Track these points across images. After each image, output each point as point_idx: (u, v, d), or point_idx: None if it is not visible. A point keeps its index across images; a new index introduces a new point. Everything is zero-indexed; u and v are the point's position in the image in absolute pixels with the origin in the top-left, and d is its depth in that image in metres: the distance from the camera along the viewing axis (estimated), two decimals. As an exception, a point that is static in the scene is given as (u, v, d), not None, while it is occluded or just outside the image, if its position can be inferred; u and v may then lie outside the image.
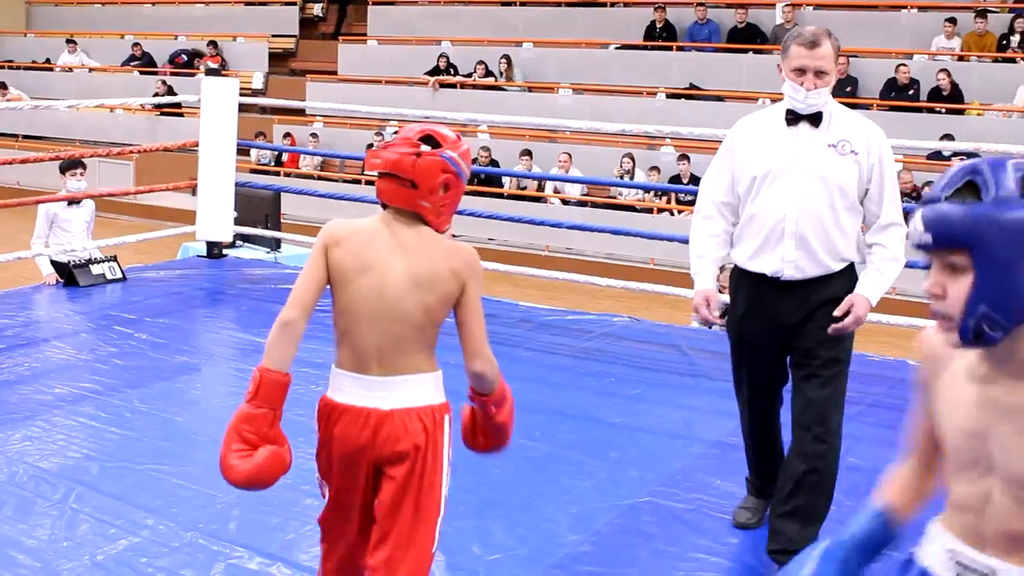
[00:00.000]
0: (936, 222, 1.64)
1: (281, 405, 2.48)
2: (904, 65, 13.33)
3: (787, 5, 14.81)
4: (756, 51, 14.76)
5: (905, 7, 14.60)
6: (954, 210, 1.61)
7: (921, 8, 14.55)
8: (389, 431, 2.53)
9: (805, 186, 3.38)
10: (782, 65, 3.44)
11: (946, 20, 13.85)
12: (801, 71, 3.36)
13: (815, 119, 3.41)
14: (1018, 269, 1.58)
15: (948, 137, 11.72)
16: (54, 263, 7.17)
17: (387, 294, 2.51)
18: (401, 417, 2.54)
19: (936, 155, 12.41)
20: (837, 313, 3.33)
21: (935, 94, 13.06)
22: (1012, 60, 13.49)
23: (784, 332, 3.50)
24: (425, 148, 2.52)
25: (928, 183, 11.77)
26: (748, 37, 14.91)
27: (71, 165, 7.32)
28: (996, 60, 13.65)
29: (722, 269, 6.44)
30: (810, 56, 3.36)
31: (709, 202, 3.64)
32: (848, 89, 13.76)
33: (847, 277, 3.48)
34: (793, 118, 3.43)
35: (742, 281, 3.61)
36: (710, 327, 3.86)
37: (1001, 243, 1.57)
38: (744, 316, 3.60)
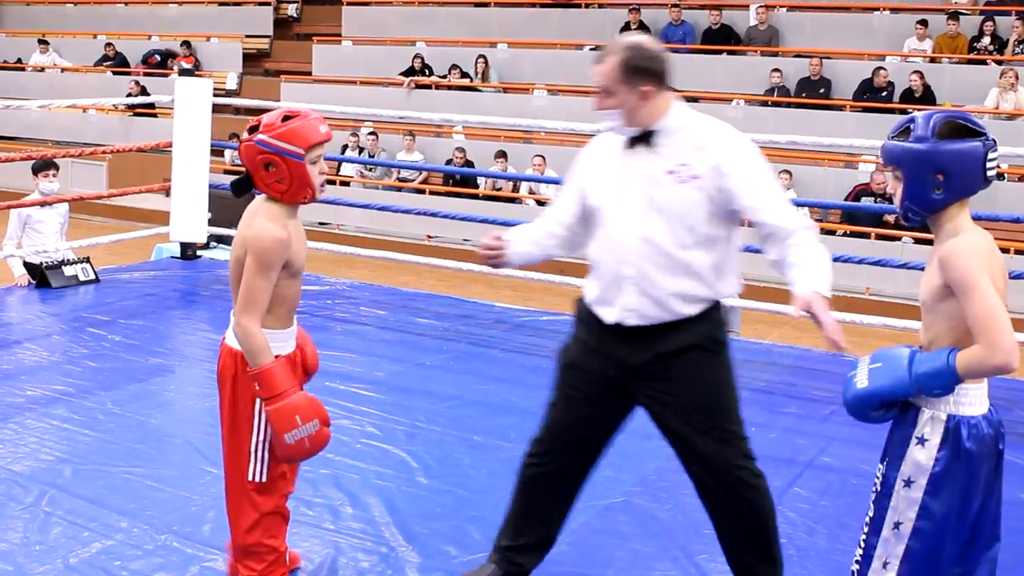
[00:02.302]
0: (884, 151, 2.57)
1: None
2: (883, 68, 13.40)
3: (761, 7, 14.87)
4: (730, 52, 14.83)
5: (877, 9, 14.69)
6: (892, 144, 2.55)
7: (893, 10, 14.64)
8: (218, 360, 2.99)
9: (642, 223, 2.93)
10: None
11: (917, 22, 13.94)
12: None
13: (647, 139, 2.96)
14: (921, 180, 2.49)
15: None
16: (26, 264, 7.13)
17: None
18: (223, 348, 2.96)
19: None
20: (795, 314, 2.81)
21: (907, 95, 13.15)
22: (983, 62, 13.59)
23: (625, 378, 3.07)
24: (245, 136, 2.86)
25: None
26: (722, 38, 14.97)
27: (43, 166, 7.27)
28: (967, 62, 13.75)
29: None
30: (595, 72, 2.99)
31: (553, 219, 3.23)
32: (822, 91, 13.84)
33: (708, 321, 3.02)
34: (630, 141, 2.99)
35: (582, 316, 3.17)
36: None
37: (910, 164, 2.50)
38: (579, 351, 3.16)
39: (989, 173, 2.47)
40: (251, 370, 2.84)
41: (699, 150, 2.93)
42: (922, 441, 2.45)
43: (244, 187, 2.94)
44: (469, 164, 14.17)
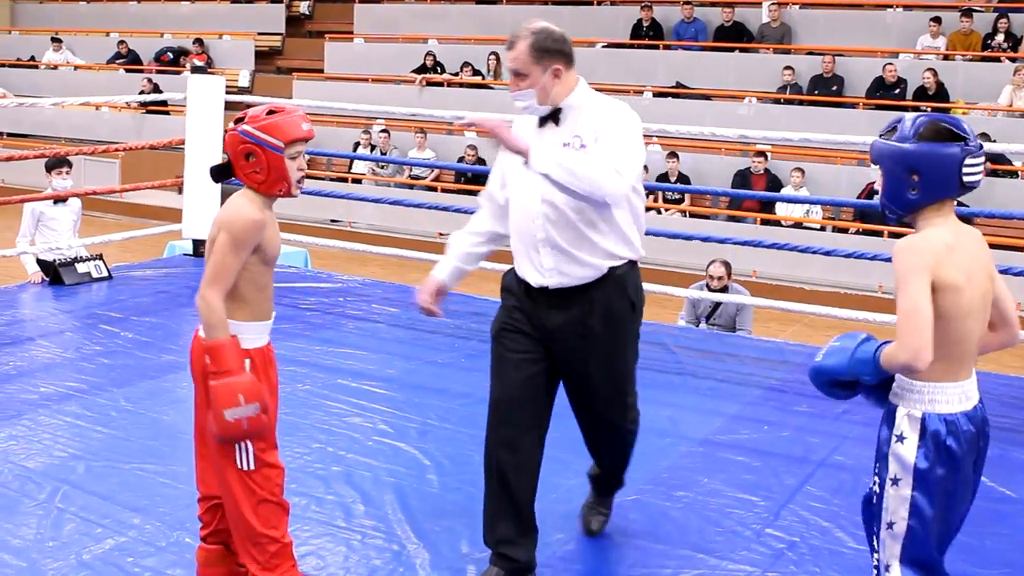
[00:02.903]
0: (871, 149, 2.62)
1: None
2: (891, 64, 13.37)
3: (773, 4, 14.85)
4: (742, 50, 14.80)
5: (891, 6, 14.66)
6: (878, 141, 2.59)
7: (906, 7, 14.60)
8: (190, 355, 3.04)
9: (545, 188, 3.15)
10: None
11: (931, 19, 13.90)
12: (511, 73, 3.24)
13: (555, 118, 3.24)
14: (897, 178, 2.53)
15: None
16: (39, 261, 7.15)
17: None
18: (195, 343, 3.00)
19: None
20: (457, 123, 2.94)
21: (921, 93, 13.11)
22: (996, 59, 13.55)
23: (547, 337, 3.29)
24: (231, 126, 2.93)
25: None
26: (735, 36, 14.95)
27: (57, 164, 7.29)
28: (981, 59, 13.71)
29: (712, 263, 6.45)
30: (507, 58, 3.25)
31: (483, 195, 3.56)
32: (834, 88, 13.80)
33: (617, 281, 3.25)
34: (540, 120, 3.27)
35: (512, 284, 3.40)
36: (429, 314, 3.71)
37: (888, 162, 2.55)
38: (509, 318, 3.37)
39: (967, 179, 2.49)
40: (204, 342, 2.88)
41: (590, 123, 3.19)
42: (901, 439, 2.52)
43: (223, 174, 3.02)
44: (481, 161, 14.17)
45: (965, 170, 2.47)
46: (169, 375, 5.30)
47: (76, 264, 7.11)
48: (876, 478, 2.60)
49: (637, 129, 3.20)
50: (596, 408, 3.43)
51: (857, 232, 12.15)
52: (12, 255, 7.25)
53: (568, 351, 3.29)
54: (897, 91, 13.31)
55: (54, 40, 19.99)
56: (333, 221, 14.50)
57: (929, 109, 13.05)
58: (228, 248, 2.86)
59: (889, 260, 5.78)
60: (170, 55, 18.90)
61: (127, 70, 18.98)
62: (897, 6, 14.64)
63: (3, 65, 20.57)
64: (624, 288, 3.26)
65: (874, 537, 2.64)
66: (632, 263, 3.29)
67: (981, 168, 2.52)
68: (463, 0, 17.67)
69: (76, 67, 19.78)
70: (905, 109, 13.08)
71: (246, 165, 2.93)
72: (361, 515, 3.82)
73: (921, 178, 2.48)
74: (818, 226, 12.50)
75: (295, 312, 6.44)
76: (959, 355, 2.51)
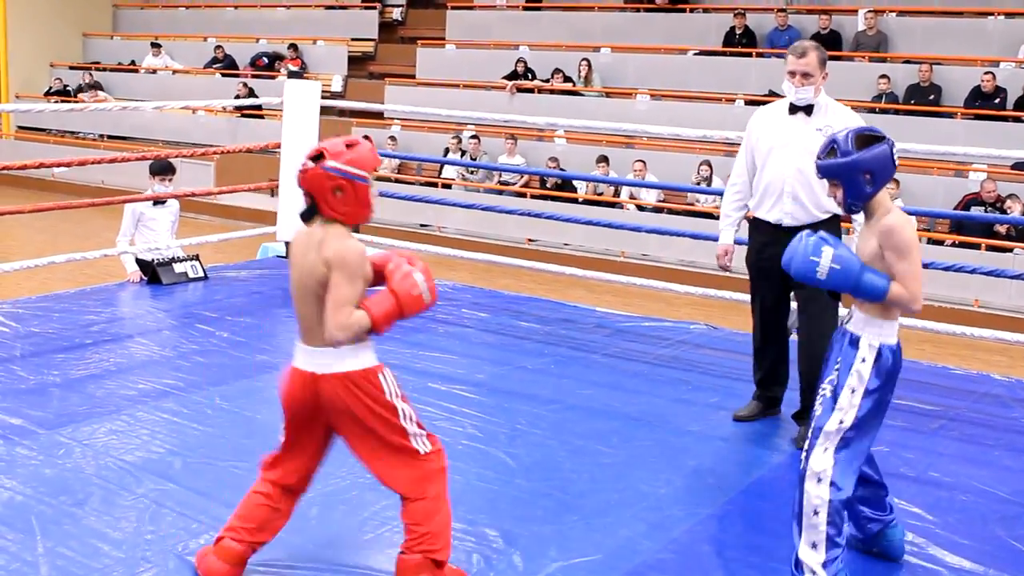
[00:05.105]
0: (820, 168, 3.37)
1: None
2: (990, 73, 13.07)
3: (869, 12, 14.60)
4: (837, 58, 14.55)
5: (992, 14, 14.31)
6: (826, 162, 3.35)
7: (1008, 15, 14.25)
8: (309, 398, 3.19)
9: (798, 158, 4.59)
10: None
11: (1035, 27, 13.57)
12: (792, 74, 4.61)
13: (808, 110, 4.65)
14: (856, 182, 3.29)
15: (1035, 147, 11.47)
16: (139, 261, 7.31)
17: (296, 281, 3.13)
18: (316, 382, 3.14)
19: (1022, 165, 12.15)
20: None
21: (1022, 103, 12.79)
22: (1102, 69, 13.18)
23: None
24: (309, 164, 3.03)
25: (1011, 195, 11.54)
26: (830, 43, 14.70)
27: (162, 169, 7.40)
28: (1086, 69, 13.34)
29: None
30: (797, 63, 4.61)
31: (736, 174, 4.96)
32: (931, 97, 13.54)
33: (832, 224, 4.64)
34: (792, 109, 4.69)
35: (757, 227, 4.86)
36: (726, 270, 5.09)
37: (847, 174, 3.31)
38: (758, 252, 4.83)
39: (896, 163, 3.37)
40: (375, 324, 3.04)
41: (839, 118, 4.60)
42: (863, 361, 3.31)
43: (311, 215, 3.11)
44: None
45: (895, 158, 3.35)
46: (262, 375, 5.38)
47: (174, 264, 7.26)
48: (831, 387, 3.34)
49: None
50: (812, 310, 4.68)
51: (954, 244, 11.90)
52: (113, 254, 7.42)
53: None
54: (997, 100, 13.01)
55: (154, 45, 20.46)
56: (422, 225, 14.61)
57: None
58: (345, 283, 2.99)
59: (987, 274, 6.15)
60: (265, 60, 19.21)
61: (223, 74, 19.33)
62: (999, 14, 14.29)
63: (105, 69, 21.11)
64: (834, 226, 4.68)
65: (813, 429, 3.36)
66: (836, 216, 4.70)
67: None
68: (554, 7, 17.69)
69: (174, 71, 20.21)
70: (1005, 120, 12.80)
71: (334, 200, 3.05)
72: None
73: (874, 175, 3.30)
74: (913, 238, 12.25)
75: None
76: None
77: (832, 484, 3.27)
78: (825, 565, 3.27)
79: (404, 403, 3.18)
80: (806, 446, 3.37)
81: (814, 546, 3.28)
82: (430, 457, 3.20)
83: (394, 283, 3.11)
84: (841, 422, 3.30)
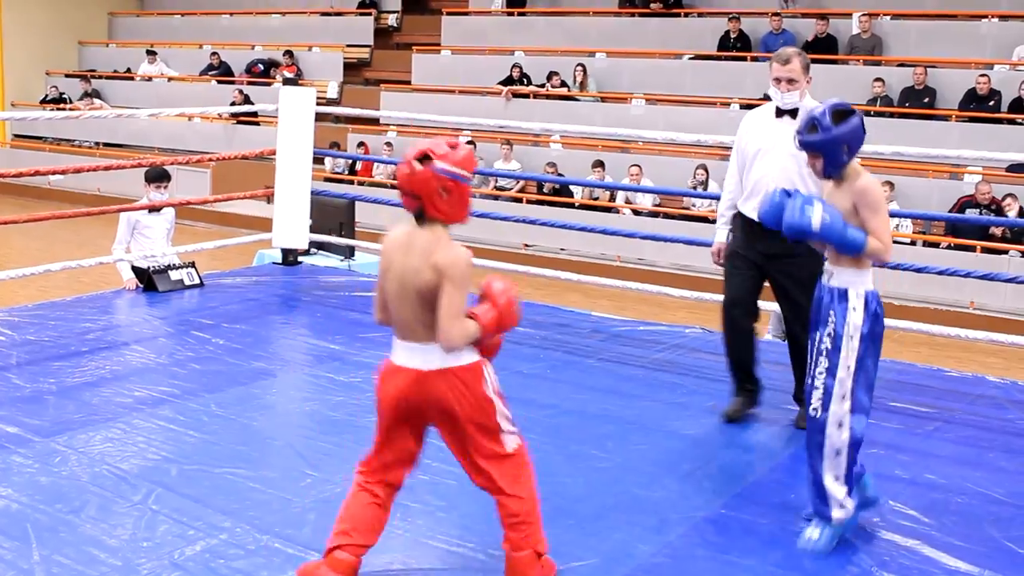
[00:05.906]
0: (805, 144, 3.69)
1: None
2: (985, 75, 13.10)
3: (864, 15, 14.62)
4: (830, 61, 14.58)
5: (986, 16, 14.33)
6: (809, 138, 3.67)
7: (1002, 17, 14.27)
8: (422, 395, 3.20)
9: (783, 159, 4.75)
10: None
11: (1028, 30, 13.59)
12: (778, 80, 4.79)
13: (793, 114, 4.77)
14: (836, 154, 3.65)
15: (1029, 149, 11.49)
16: (134, 268, 7.31)
17: (395, 280, 3.16)
18: (426, 380, 3.17)
19: (1017, 167, 12.17)
20: None
21: (1016, 105, 12.82)
22: (1096, 71, 13.20)
23: (762, 259, 4.89)
24: (417, 166, 3.08)
25: (1009, 195, 11.55)
26: (824, 47, 14.72)
27: (157, 177, 7.43)
28: (1080, 71, 13.36)
29: None
30: (782, 70, 4.77)
31: (729, 175, 5.15)
32: (926, 100, 13.56)
33: None
34: (779, 113, 4.85)
35: (739, 221, 5.02)
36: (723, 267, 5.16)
37: (830, 148, 3.65)
38: (735, 244, 5.04)
39: (866, 132, 3.71)
40: (485, 334, 3.14)
41: None
42: (855, 310, 3.67)
43: (423, 217, 3.15)
44: (562, 175, 14.20)
45: (866, 129, 3.70)
46: (259, 381, 5.39)
47: (169, 271, 7.26)
48: (830, 336, 3.69)
49: None
50: (800, 305, 4.74)
51: (948, 247, 11.92)
52: (109, 262, 7.43)
53: (778, 265, 4.89)
54: (991, 103, 13.03)
55: (149, 53, 20.48)
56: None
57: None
58: (458, 292, 3.06)
59: (982, 278, 6.27)
60: (261, 67, 19.23)
61: (219, 81, 19.35)
62: (992, 16, 14.32)
63: (101, 77, 21.13)
64: None
65: (824, 380, 3.71)
66: None
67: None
68: (550, 12, 17.71)
69: (170, 79, 20.22)
70: (999, 122, 12.82)
71: (440, 201, 3.11)
72: (447, 524, 3.84)
73: (850, 146, 3.66)
74: (908, 240, 12.28)
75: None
76: None
77: (850, 428, 3.69)
78: (849, 494, 3.74)
79: (500, 399, 3.25)
80: (820, 395, 3.73)
81: (837, 479, 3.72)
82: (520, 453, 3.30)
83: (497, 298, 3.19)
84: (848, 367, 3.67)
